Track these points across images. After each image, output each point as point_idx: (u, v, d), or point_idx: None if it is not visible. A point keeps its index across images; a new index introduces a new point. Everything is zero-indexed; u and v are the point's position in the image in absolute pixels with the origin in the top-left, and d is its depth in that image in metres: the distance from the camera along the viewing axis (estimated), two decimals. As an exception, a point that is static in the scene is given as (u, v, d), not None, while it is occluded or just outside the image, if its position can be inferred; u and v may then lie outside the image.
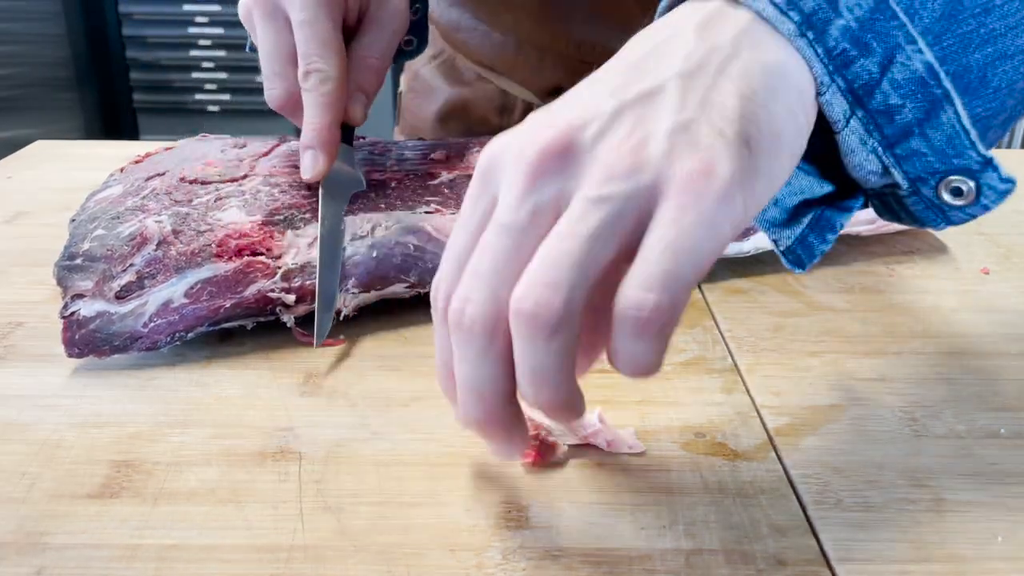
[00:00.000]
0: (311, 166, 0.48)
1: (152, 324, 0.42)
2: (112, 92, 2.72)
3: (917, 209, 0.31)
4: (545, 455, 0.35)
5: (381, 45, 0.52)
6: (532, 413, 0.37)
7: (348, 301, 0.45)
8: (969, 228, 0.60)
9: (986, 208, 0.30)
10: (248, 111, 2.70)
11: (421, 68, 0.81)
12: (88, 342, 0.41)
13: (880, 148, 0.29)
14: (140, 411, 0.38)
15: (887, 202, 0.33)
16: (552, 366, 0.27)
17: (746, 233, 0.52)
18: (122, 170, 0.54)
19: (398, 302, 0.47)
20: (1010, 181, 0.29)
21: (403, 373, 0.42)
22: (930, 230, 0.59)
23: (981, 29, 0.29)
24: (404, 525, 0.32)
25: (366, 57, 0.51)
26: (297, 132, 0.50)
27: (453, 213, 0.48)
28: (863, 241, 0.57)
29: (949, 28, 0.29)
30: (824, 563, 0.30)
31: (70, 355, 0.41)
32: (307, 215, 0.46)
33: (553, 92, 0.72)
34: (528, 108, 0.76)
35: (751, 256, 0.53)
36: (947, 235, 0.58)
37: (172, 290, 0.43)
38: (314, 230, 0.46)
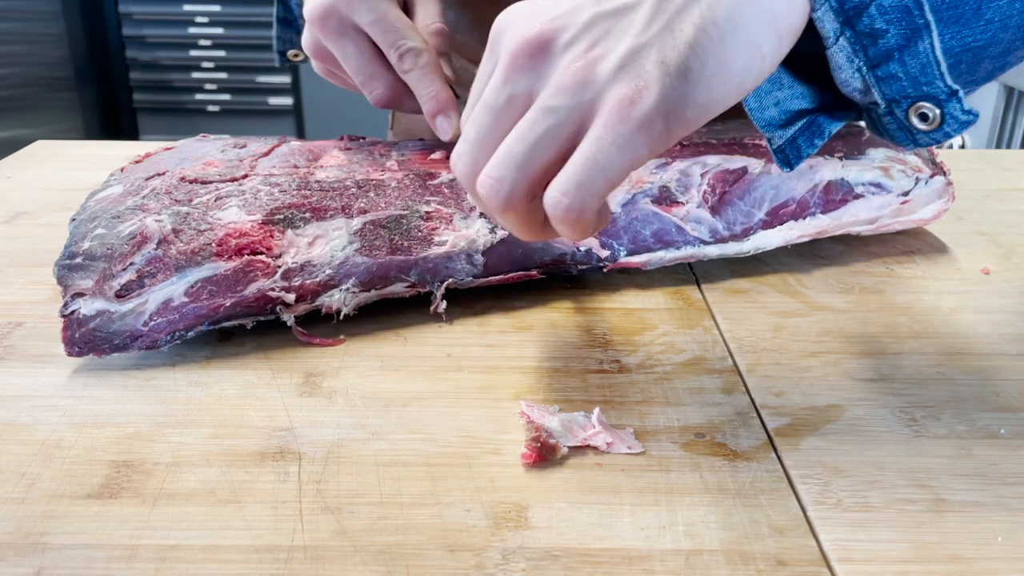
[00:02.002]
0: (448, 128, 0.52)
1: (152, 323, 0.42)
2: (112, 92, 2.72)
3: (891, 128, 0.34)
4: (545, 455, 0.35)
5: (436, 10, 0.55)
6: (533, 415, 0.37)
7: (348, 301, 0.45)
8: (969, 228, 0.60)
9: (948, 135, 0.32)
10: (248, 111, 2.70)
11: None
12: (88, 341, 0.41)
13: (864, 68, 0.32)
14: (140, 411, 0.38)
15: (871, 118, 0.35)
16: (512, 225, 0.34)
17: (746, 233, 0.52)
18: (122, 170, 0.54)
19: (398, 302, 0.47)
20: (971, 113, 0.32)
21: (403, 373, 0.42)
22: (929, 229, 0.59)
23: None
24: (404, 525, 0.32)
25: (430, 25, 0.54)
26: (298, 134, 0.50)
27: (453, 212, 0.48)
28: (863, 241, 0.57)
29: None
30: (824, 563, 0.30)
31: (70, 354, 0.41)
32: (307, 215, 0.46)
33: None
34: None
35: (751, 256, 0.53)
36: (947, 235, 0.58)
37: (172, 289, 0.43)
38: (314, 229, 0.46)
